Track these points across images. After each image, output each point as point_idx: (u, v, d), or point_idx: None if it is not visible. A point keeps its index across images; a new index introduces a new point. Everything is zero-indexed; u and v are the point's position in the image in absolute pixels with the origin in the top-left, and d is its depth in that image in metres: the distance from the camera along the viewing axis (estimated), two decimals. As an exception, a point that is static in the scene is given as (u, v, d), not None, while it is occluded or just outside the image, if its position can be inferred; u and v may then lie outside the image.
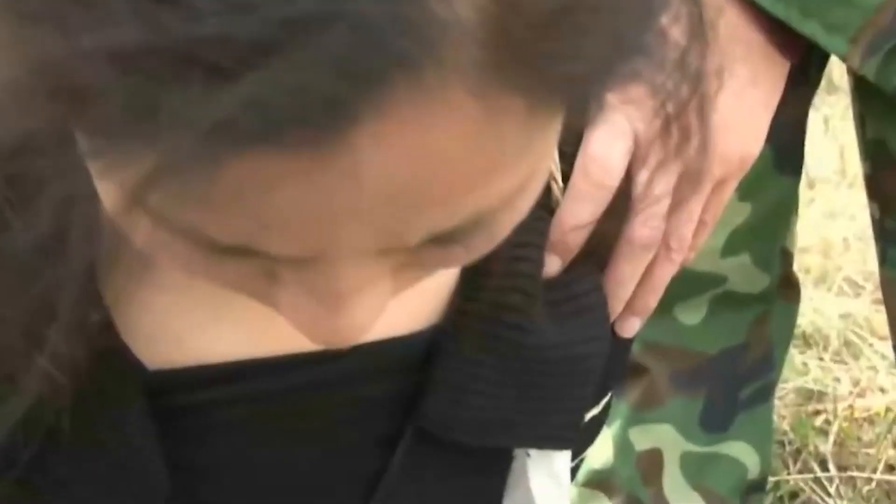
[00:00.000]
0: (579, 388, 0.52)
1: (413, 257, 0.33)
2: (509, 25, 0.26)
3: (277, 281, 0.33)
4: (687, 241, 0.57)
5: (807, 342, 1.64)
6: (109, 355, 0.42)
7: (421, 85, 0.25)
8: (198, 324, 0.45)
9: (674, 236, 0.56)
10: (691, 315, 1.06)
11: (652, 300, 0.57)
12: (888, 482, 1.43)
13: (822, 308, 1.65)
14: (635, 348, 1.06)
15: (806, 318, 1.65)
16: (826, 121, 2.11)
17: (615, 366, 0.59)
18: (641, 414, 1.08)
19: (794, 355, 1.61)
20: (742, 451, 1.09)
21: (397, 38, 0.24)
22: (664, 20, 0.30)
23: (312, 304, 0.32)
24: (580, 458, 0.64)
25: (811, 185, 1.91)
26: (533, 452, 0.52)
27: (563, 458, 0.53)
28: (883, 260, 0.97)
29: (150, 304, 0.44)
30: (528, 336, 0.49)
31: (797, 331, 1.63)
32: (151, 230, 0.31)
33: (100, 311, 0.42)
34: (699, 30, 0.42)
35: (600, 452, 1.09)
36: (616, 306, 0.55)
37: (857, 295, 1.72)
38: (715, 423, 1.08)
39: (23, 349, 0.38)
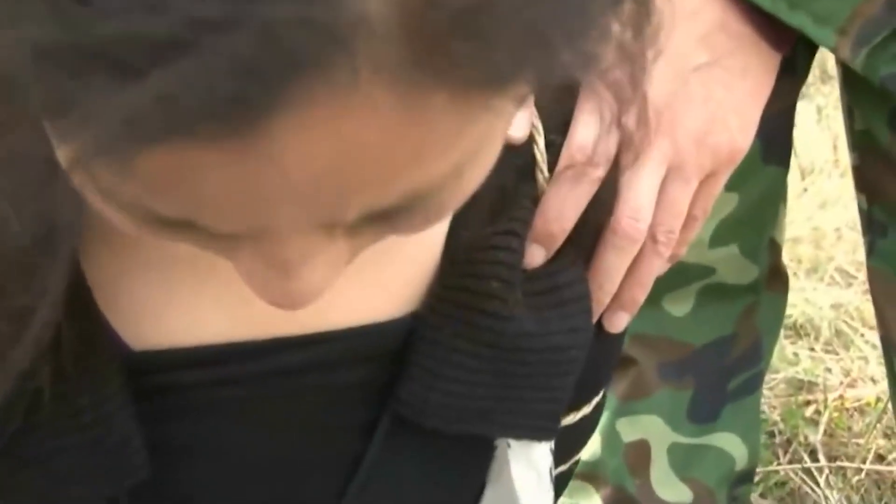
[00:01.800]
0: (558, 378, 0.52)
1: (357, 229, 0.33)
2: (426, 20, 0.26)
3: (232, 250, 0.34)
4: (675, 235, 0.56)
5: (798, 332, 1.64)
6: (91, 334, 0.42)
7: (332, 82, 0.26)
8: (179, 305, 0.45)
9: (661, 229, 0.55)
10: (679, 306, 1.06)
11: (640, 294, 0.56)
12: (877, 472, 1.43)
13: (813, 298, 1.65)
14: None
15: (797, 308, 1.65)
16: (819, 110, 2.10)
17: (605, 362, 0.60)
18: (629, 405, 1.07)
19: (785, 346, 1.60)
20: (730, 443, 1.09)
21: (303, 39, 0.24)
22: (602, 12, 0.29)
23: (264, 269, 0.33)
24: (576, 458, 0.65)
25: (803, 175, 1.91)
26: (513, 443, 0.52)
27: (543, 448, 0.53)
28: (870, 251, 0.97)
29: (131, 284, 0.44)
30: (506, 324, 0.49)
31: (788, 321, 1.63)
32: (101, 200, 0.31)
33: (83, 290, 0.42)
34: (643, 16, 0.41)
35: (587, 444, 1.08)
36: (602, 298, 0.55)
37: (849, 285, 1.72)
38: (703, 414, 1.08)
39: (7, 327, 0.38)
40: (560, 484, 0.63)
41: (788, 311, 1.63)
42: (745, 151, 0.60)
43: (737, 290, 1.06)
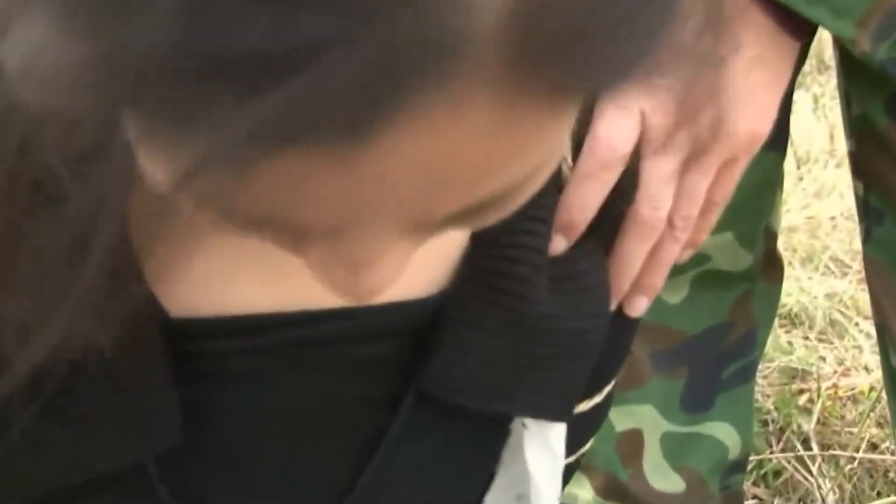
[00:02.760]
0: (576, 361, 0.53)
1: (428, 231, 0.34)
2: (534, 33, 0.26)
3: (303, 245, 0.35)
4: (692, 221, 0.57)
5: (793, 321, 1.64)
6: (135, 298, 0.43)
7: (444, 96, 0.27)
8: (217, 274, 0.46)
9: (679, 215, 0.56)
10: (674, 294, 1.05)
11: (658, 280, 0.58)
12: (870, 461, 1.43)
13: (808, 287, 1.65)
14: None
15: (792, 297, 1.64)
16: (816, 100, 2.10)
17: (619, 350, 0.61)
18: (622, 395, 1.07)
19: (780, 335, 1.60)
20: (723, 432, 1.08)
21: (419, 56, 0.25)
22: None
23: (336, 265, 0.34)
24: (584, 449, 0.65)
25: (799, 164, 1.90)
26: (529, 424, 0.53)
27: (558, 431, 0.54)
28: (866, 239, 0.97)
29: (172, 252, 0.46)
30: (529, 306, 0.50)
31: (783, 310, 1.63)
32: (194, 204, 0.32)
33: (129, 255, 0.44)
34: (713, 13, 0.43)
35: None
36: (622, 285, 0.56)
37: (844, 274, 1.72)
38: (696, 403, 1.07)
39: (55, 286, 0.39)
40: (566, 475, 0.63)
41: (783, 300, 1.63)
42: (764, 137, 0.60)
43: (732, 278, 1.05)
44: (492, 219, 0.34)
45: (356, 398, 0.50)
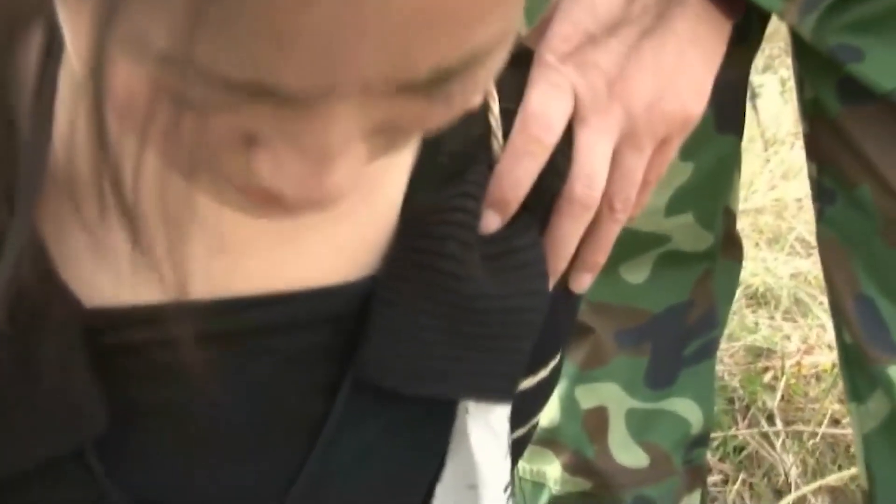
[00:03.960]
0: (516, 340, 0.52)
1: (394, 113, 0.34)
2: None
3: (260, 142, 0.33)
4: (631, 202, 0.57)
5: (758, 301, 1.66)
6: (46, 288, 0.42)
7: None
8: (134, 262, 0.43)
9: (618, 197, 0.56)
10: (636, 274, 1.06)
11: (601, 257, 0.57)
12: (832, 436, 1.46)
13: (773, 268, 1.67)
14: (581, 308, 1.06)
15: (758, 277, 1.67)
16: (783, 82, 2.12)
17: (563, 326, 0.60)
18: (587, 373, 1.08)
19: (746, 314, 1.63)
20: (685, 408, 1.10)
21: None
22: None
23: (296, 161, 0.33)
24: (534, 421, 0.65)
25: (766, 146, 1.93)
26: (471, 407, 0.53)
27: (500, 412, 0.53)
28: (820, 218, 0.99)
29: (84, 239, 0.44)
30: (463, 285, 0.49)
31: (749, 290, 1.65)
32: (135, 78, 0.30)
33: (37, 244, 0.42)
34: None
35: (546, 412, 1.09)
36: (559, 264, 0.56)
37: (809, 255, 1.74)
38: (659, 379, 1.09)
39: None
40: (518, 449, 0.64)
41: (749, 280, 1.66)
42: (698, 118, 0.61)
43: (693, 258, 1.07)
44: (457, 101, 0.34)
45: (291, 390, 0.48)
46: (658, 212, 1.02)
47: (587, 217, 0.55)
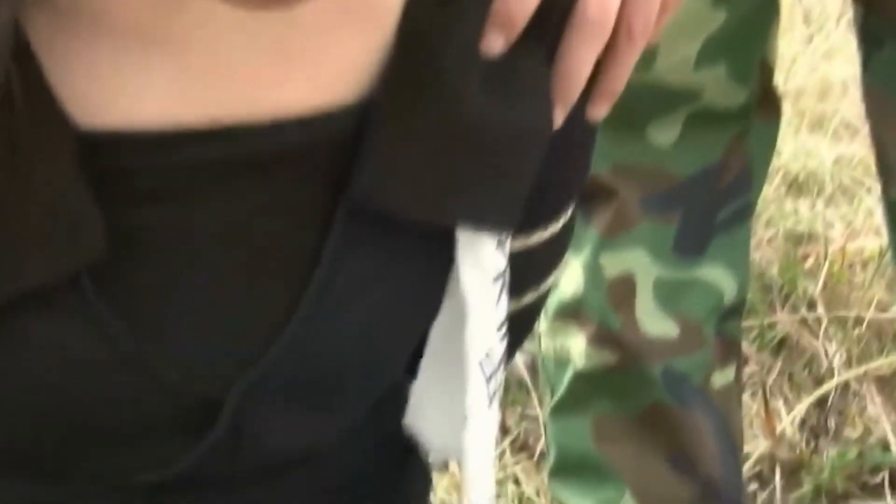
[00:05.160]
0: (518, 166, 0.50)
1: None
2: None
3: None
4: (650, 26, 0.53)
5: (799, 188, 1.60)
6: (41, 106, 0.42)
7: None
8: (127, 82, 0.44)
9: (636, 19, 0.52)
10: (665, 134, 1.01)
11: (618, 85, 0.53)
12: (878, 322, 1.41)
13: (816, 152, 1.61)
14: (604, 171, 1.02)
15: (799, 162, 1.60)
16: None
17: (576, 167, 0.58)
18: (612, 239, 1.04)
19: (786, 202, 1.57)
20: (718, 276, 1.06)
21: None
22: None
23: None
24: (544, 288, 0.61)
25: (809, 23, 1.83)
26: (462, 240, 0.51)
27: (490, 247, 0.51)
28: (865, 66, 0.93)
29: (78, 57, 0.43)
30: (464, 107, 0.48)
31: (789, 176, 1.59)
32: None
33: (30, 59, 0.41)
34: None
35: (570, 281, 1.06)
36: (570, 92, 0.52)
37: (854, 139, 1.67)
38: (690, 246, 1.04)
39: None
40: (529, 317, 0.61)
41: (789, 165, 1.59)
42: None
43: (725, 116, 1.02)
44: None
45: (286, 220, 0.48)
46: (688, 62, 0.96)
47: (601, 41, 0.51)
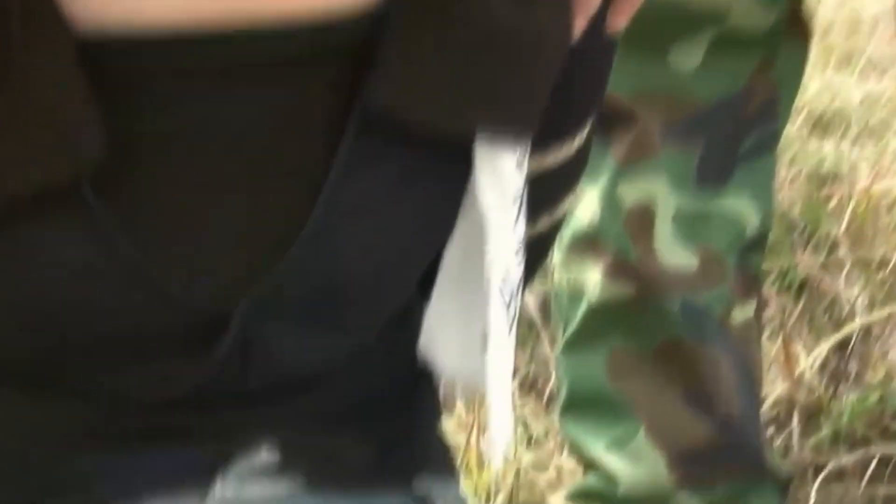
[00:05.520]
0: (536, 71, 0.49)
1: None
2: None
3: None
4: None
5: (824, 127, 1.56)
6: (38, 7, 0.41)
7: None
8: None
9: None
10: (688, 58, 0.97)
11: None
12: (903, 264, 1.37)
13: (843, 90, 1.56)
14: (624, 96, 0.98)
15: (825, 100, 1.56)
16: None
17: (595, 79, 0.57)
18: (631, 167, 1.00)
19: (811, 140, 1.53)
20: (741, 206, 1.02)
21: None
22: None
23: None
24: (558, 214, 0.61)
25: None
26: (480, 153, 0.49)
27: (509, 160, 0.50)
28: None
29: None
30: (482, 11, 0.47)
31: (814, 114, 1.55)
32: None
33: None
34: None
35: (586, 211, 1.03)
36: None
37: (882, 77, 1.62)
38: (712, 176, 1.01)
39: None
40: (542, 247, 0.61)
41: (814, 103, 1.55)
42: None
43: (752, 40, 0.97)
44: None
45: (295, 130, 0.47)
46: (713, -20, 0.93)
47: None
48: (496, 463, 0.55)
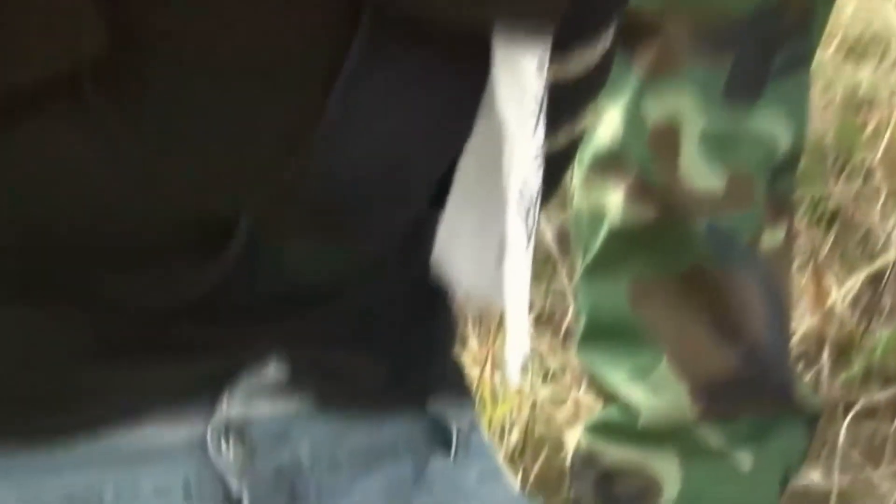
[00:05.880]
0: None
1: None
2: None
3: None
4: None
5: (862, 52, 1.50)
6: None
7: None
8: None
9: None
10: (719, -32, 0.93)
11: None
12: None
13: (879, 12, 1.51)
14: (650, 5, 0.94)
15: (861, 24, 1.50)
16: None
17: None
18: (656, 82, 0.96)
19: (845, 65, 1.48)
20: (773, 125, 0.97)
21: None
22: None
23: None
24: (577, 131, 0.59)
25: None
26: (499, 55, 0.48)
27: (530, 64, 0.49)
28: None
29: None
30: None
31: (850, 39, 1.50)
32: None
33: None
34: None
35: (607, 129, 0.98)
36: None
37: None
38: (742, 92, 0.96)
39: None
40: (561, 164, 0.59)
41: (851, 28, 1.50)
42: None
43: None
44: None
45: (304, 27, 0.46)
46: None
47: None
48: (513, 379, 0.53)
